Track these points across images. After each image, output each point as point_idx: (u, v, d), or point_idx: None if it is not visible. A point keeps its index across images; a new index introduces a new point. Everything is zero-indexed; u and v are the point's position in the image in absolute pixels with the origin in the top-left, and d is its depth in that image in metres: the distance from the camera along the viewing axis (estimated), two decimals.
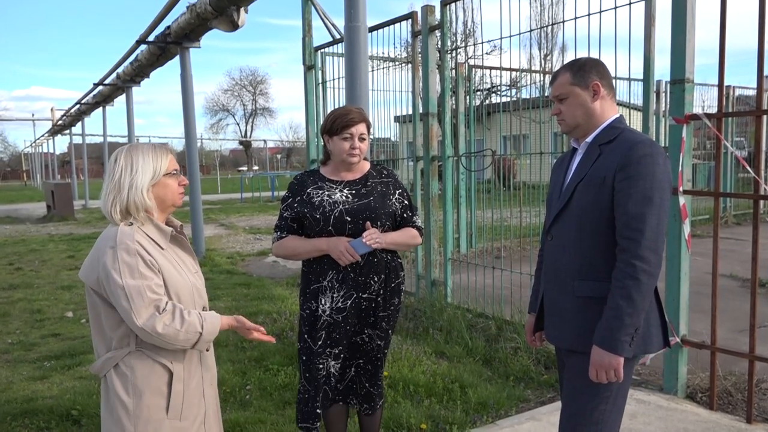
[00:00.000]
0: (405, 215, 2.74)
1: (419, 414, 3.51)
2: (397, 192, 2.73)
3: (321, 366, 2.65)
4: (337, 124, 2.60)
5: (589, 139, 2.09)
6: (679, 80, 3.54)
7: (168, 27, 8.50)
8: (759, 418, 3.40)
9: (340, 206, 2.58)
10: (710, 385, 3.56)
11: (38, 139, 39.79)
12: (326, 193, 2.62)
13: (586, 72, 2.08)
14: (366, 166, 2.74)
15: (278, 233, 2.69)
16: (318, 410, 2.68)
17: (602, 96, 2.08)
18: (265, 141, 49.09)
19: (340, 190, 2.63)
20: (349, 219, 2.56)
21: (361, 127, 2.62)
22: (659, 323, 2.05)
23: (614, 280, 1.93)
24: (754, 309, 3.36)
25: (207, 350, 2.18)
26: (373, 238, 2.51)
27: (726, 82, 3.53)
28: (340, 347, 2.65)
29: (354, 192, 2.64)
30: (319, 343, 2.62)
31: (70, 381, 4.33)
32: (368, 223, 2.56)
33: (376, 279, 2.63)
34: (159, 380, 1.97)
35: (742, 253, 8.02)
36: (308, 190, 2.64)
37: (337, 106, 2.73)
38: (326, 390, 2.70)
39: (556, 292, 2.13)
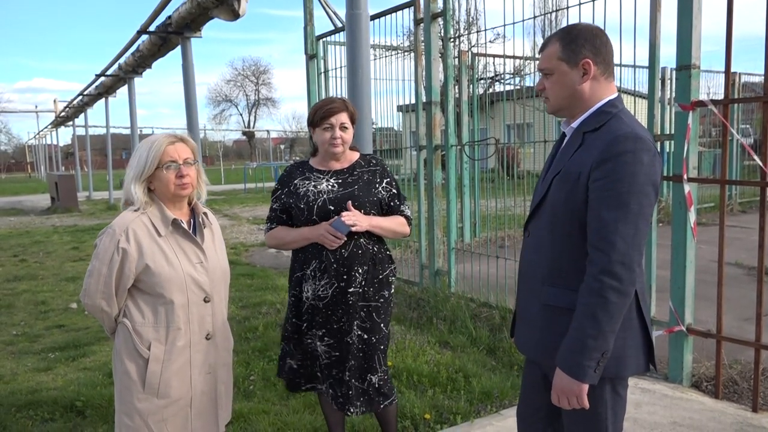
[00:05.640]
0: (392, 204, 2.71)
1: (423, 404, 3.50)
2: (384, 181, 2.70)
3: (309, 341, 2.68)
4: (318, 115, 2.60)
5: (575, 124, 1.82)
6: (686, 66, 3.49)
7: (169, 17, 8.46)
8: (765, 406, 3.38)
9: (324, 196, 2.59)
10: (716, 373, 3.54)
11: (42, 130, 39.83)
12: (312, 183, 2.63)
13: (578, 46, 1.75)
14: (354, 156, 2.73)
15: (269, 224, 2.76)
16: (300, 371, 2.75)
17: (594, 76, 1.76)
18: (268, 131, 49.10)
19: (327, 180, 2.64)
20: (332, 208, 2.57)
21: (342, 117, 2.60)
22: (641, 344, 1.79)
23: (580, 295, 1.68)
24: (760, 297, 3.33)
25: (208, 339, 2.20)
26: (351, 217, 2.50)
27: (732, 69, 3.48)
28: (323, 330, 2.64)
29: (340, 181, 2.63)
30: (305, 325, 2.67)
31: (75, 372, 4.34)
32: (349, 203, 2.55)
33: (360, 271, 2.59)
34: (137, 355, 2.11)
35: (747, 241, 7.99)
36: (295, 181, 2.67)
37: (340, 96, 2.74)
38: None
39: (527, 295, 1.91)
